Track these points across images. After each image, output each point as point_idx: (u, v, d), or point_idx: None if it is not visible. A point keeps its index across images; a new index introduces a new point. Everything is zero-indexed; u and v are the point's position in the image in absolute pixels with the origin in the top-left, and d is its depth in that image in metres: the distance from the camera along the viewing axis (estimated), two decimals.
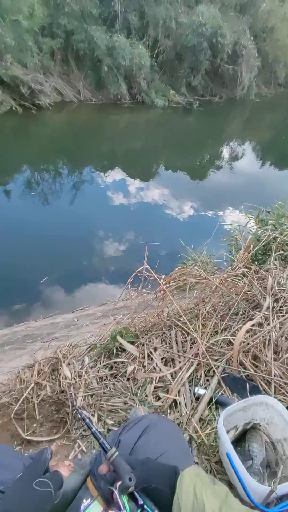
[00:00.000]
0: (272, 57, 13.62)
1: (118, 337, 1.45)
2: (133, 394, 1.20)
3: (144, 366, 1.33)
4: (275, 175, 7.91)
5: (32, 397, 1.27)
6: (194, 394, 1.16)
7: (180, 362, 1.30)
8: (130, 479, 0.52)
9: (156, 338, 1.47)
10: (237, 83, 12.52)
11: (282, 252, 1.88)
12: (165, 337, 1.48)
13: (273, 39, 13.50)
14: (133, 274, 1.66)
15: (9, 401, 1.27)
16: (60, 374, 1.35)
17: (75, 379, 1.32)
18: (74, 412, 1.20)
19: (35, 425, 1.21)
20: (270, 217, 2.39)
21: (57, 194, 5.68)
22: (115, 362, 1.39)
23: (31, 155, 7.30)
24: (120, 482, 0.54)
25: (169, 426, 0.79)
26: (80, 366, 1.41)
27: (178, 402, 1.13)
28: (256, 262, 1.94)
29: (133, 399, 1.19)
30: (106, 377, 1.33)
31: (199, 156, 8.64)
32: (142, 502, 0.52)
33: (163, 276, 1.64)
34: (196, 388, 1.18)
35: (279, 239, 1.96)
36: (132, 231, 4.69)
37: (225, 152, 9.24)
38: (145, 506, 0.52)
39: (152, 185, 6.43)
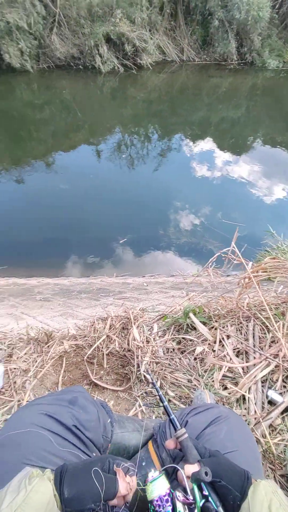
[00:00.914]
0: None
1: (191, 315, 1.41)
2: (199, 375, 1.17)
3: (214, 351, 1.27)
4: None
5: (102, 347, 1.37)
6: (267, 397, 1.06)
7: (254, 358, 1.20)
8: (206, 474, 0.51)
9: (231, 326, 1.38)
10: None
11: None
12: (241, 327, 1.37)
13: None
14: (217, 253, 1.55)
15: (83, 344, 1.39)
16: (129, 334, 1.40)
17: (143, 342, 1.36)
18: (138, 373, 1.24)
19: (102, 372, 1.30)
20: None
21: (143, 159, 5.68)
22: (184, 338, 1.36)
23: (124, 117, 7.37)
24: (190, 468, 0.54)
25: (241, 424, 0.74)
26: (149, 332, 1.43)
27: (247, 399, 1.05)
28: None
29: (198, 380, 1.15)
30: (173, 350, 1.32)
31: None
32: (207, 493, 0.51)
33: (250, 262, 1.48)
34: (270, 392, 1.07)
35: None
36: (212, 207, 4.41)
37: None
38: (209, 498, 0.51)
39: (243, 160, 5.82)
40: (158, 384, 1.19)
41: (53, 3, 7.89)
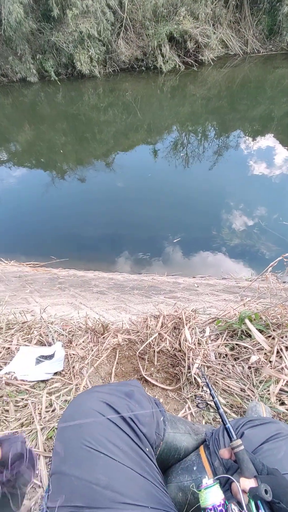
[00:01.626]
0: None
1: (247, 321, 1.35)
2: (254, 386, 1.12)
3: (270, 362, 1.20)
4: None
5: (154, 344, 1.40)
6: None
7: None
8: (266, 492, 0.49)
9: None
10: None
11: None
12: None
13: None
14: (279, 258, 1.46)
15: (136, 340, 1.45)
16: (181, 335, 1.41)
17: (194, 344, 1.35)
18: (188, 375, 1.24)
19: (152, 369, 1.33)
20: None
21: (198, 158, 5.59)
22: (237, 345, 1.32)
23: (182, 115, 7.33)
24: (246, 482, 0.53)
25: None
26: (201, 335, 1.42)
27: None
28: None
29: (253, 391, 1.10)
30: (226, 355, 1.29)
31: None
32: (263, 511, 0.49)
33: None
34: None
35: None
36: (270, 208, 4.13)
37: None
38: None
39: None
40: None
41: (121, 8, 8.22)
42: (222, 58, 9.21)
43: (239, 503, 0.52)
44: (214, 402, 0.72)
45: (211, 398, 1.13)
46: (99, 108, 7.87)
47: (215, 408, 0.72)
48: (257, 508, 0.50)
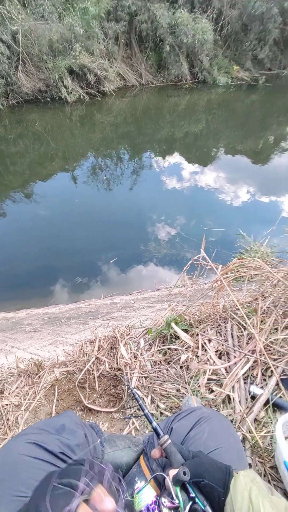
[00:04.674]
0: None
1: (173, 324, 1.47)
2: (186, 383, 1.23)
3: (197, 357, 1.34)
4: None
5: (93, 370, 1.40)
6: (249, 393, 1.13)
7: (235, 357, 1.27)
8: (184, 473, 0.52)
9: (211, 329, 1.45)
10: None
11: None
12: (220, 329, 1.45)
13: None
14: (189, 262, 1.65)
15: (74, 370, 1.42)
16: (117, 353, 1.45)
17: (131, 359, 1.41)
18: (129, 391, 1.28)
19: (95, 395, 1.33)
20: None
21: (117, 179, 5.88)
22: (169, 349, 1.42)
23: (95, 141, 7.64)
24: (174, 473, 0.55)
25: (223, 422, 0.77)
26: (136, 348, 1.49)
27: (232, 398, 1.12)
28: None
29: (186, 388, 1.21)
30: (160, 361, 1.38)
31: (264, 138, 7.86)
32: (193, 495, 0.52)
33: (220, 266, 1.59)
34: (252, 387, 1.14)
35: None
36: (187, 217, 4.61)
37: None
38: (196, 500, 0.52)
39: (210, 169, 6.16)
40: (149, 398, 1.23)
41: (15, 43, 8.26)
42: (122, 88, 10.03)
43: (170, 495, 0.53)
44: (139, 405, 0.74)
45: (147, 408, 1.19)
46: (8, 140, 7.61)
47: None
48: (188, 492, 0.53)
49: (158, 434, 0.67)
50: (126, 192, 5.43)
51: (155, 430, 0.68)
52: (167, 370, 1.32)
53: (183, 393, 1.20)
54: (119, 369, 1.39)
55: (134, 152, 7.08)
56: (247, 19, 10.27)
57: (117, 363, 1.41)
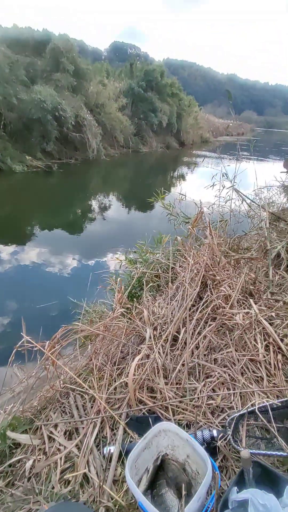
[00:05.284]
0: (109, 125, 16.52)
1: (8, 432, 1.24)
2: (37, 495, 1.03)
3: (45, 453, 1.18)
4: (139, 217, 9.21)
5: None
6: (104, 457, 1.11)
7: (83, 428, 1.23)
8: None
9: (54, 413, 1.35)
10: (87, 147, 14.32)
11: (152, 283, 2.16)
12: (64, 407, 1.37)
13: (106, 112, 16.50)
14: (13, 351, 1.51)
15: None
16: None
17: None
18: None
19: None
20: (137, 256, 2.73)
21: None
22: (10, 466, 1.16)
23: None
24: None
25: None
26: None
27: (89, 476, 1.05)
28: (135, 299, 2.13)
29: (38, 501, 1.01)
30: (1, 491, 1.09)
31: (70, 212, 9.10)
32: None
33: (47, 342, 1.56)
34: (106, 449, 1.13)
35: (147, 273, 2.26)
36: (15, 300, 4.29)
37: (94, 205, 10.12)
38: None
39: (29, 247, 6.24)
40: None
41: None
42: None
43: None
44: None
45: None
46: None
47: None
48: None
49: None
50: None
51: None
52: (11, 495, 1.06)
53: (37, 509, 0.99)
54: None
55: None
56: (27, 121, 12.05)
57: None
